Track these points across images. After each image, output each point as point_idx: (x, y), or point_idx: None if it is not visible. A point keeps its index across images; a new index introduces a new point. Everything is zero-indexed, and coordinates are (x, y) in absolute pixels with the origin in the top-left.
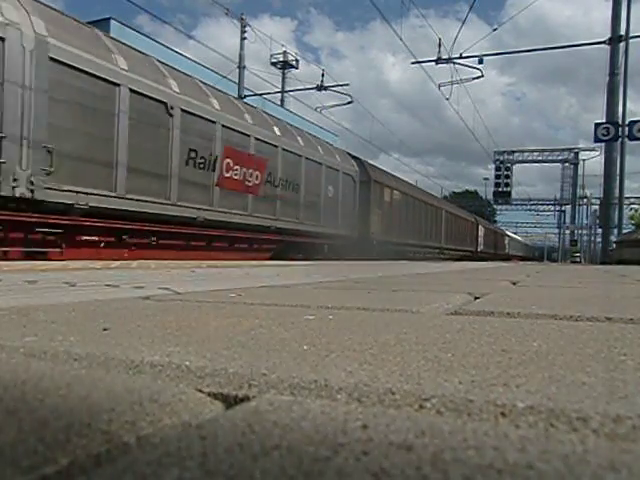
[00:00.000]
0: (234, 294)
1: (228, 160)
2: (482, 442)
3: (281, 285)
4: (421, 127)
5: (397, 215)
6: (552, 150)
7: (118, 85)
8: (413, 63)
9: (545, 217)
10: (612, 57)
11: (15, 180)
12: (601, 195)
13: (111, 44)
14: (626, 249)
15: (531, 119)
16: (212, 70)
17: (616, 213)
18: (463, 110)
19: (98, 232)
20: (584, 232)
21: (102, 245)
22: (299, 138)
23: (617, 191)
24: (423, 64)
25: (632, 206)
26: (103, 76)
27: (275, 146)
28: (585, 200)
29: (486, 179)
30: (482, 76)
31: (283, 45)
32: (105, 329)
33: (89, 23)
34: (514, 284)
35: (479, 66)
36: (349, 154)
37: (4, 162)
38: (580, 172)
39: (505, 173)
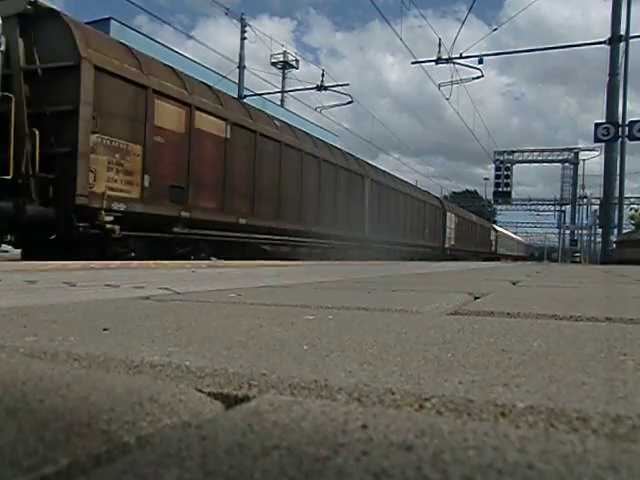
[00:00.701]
0: (234, 294)
1: None
2: (482, 442)
3: (281, 285)
4: (420, 127)
5: None
6: (552, 150)
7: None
8: (413, 63)
9: (545, 217)
10: (612, 57)
11: None
12: (601, 195)
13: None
14: (626, 249)
15: (530, 119)
16: (212, 70)
17: (616, 213)
18: (462, 110)
19: None
20: (584, 232)
21: None
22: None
23: (617, 191)
24: (422, 64)
25: (632, 206)
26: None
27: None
28: (585, 200)
29: (486, 179)
30: (482, 76)
31: (283, 45)
32: (105, 329)
33: (89, 23)
34: (514, 284)
35: (479, 66)
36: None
37: None
38: (580, 172)
39: (505, 173)
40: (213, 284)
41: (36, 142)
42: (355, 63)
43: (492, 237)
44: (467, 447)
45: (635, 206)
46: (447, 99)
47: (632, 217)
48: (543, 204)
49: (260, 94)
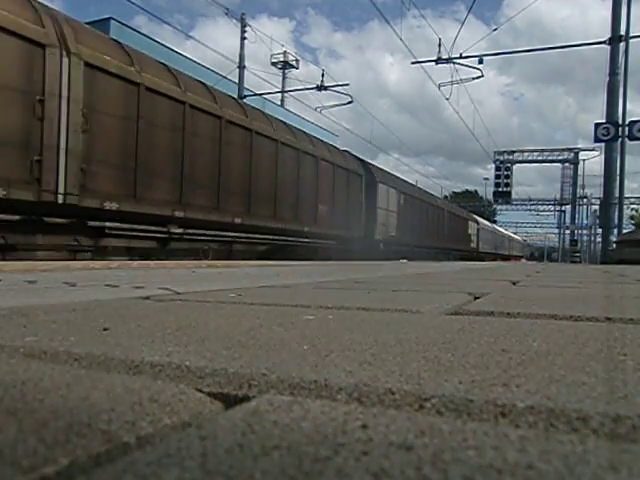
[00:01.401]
0: (234, 294)
1: None
2: (482, 442)
3: (281, 285)
4: (420, 127)
5: None
6: (552, 150)
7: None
8: (413, 63)
9: (545, 217)
10: (612, 57)
11: None
12: (601, 195)
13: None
14: (626, 249)
15: (530, 119)
16: (212, 70)
17: (616, 213)
18: (462, 110)
19: None
20: (584, 232)
21: None
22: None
23: (617, 191)
24: (422, 64)
25: (632, 206)
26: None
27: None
28: (585, 200)
29: (486, 179)
30: (482, 76)
31: (283, 45)
32: (105, 329)
33: (88, 23)
34: (514, 284)
35: (479, 66)
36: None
37: None
38: (580, 172)
39: (505, 173)
40: (213, 284)
41: None
42: (354, 63)
43: (471, 231)
44: (467, 447)
45: (635, 206)
46: (447, 99)
47: (632, 217)
48: (543, 204)
49: (260, 94)
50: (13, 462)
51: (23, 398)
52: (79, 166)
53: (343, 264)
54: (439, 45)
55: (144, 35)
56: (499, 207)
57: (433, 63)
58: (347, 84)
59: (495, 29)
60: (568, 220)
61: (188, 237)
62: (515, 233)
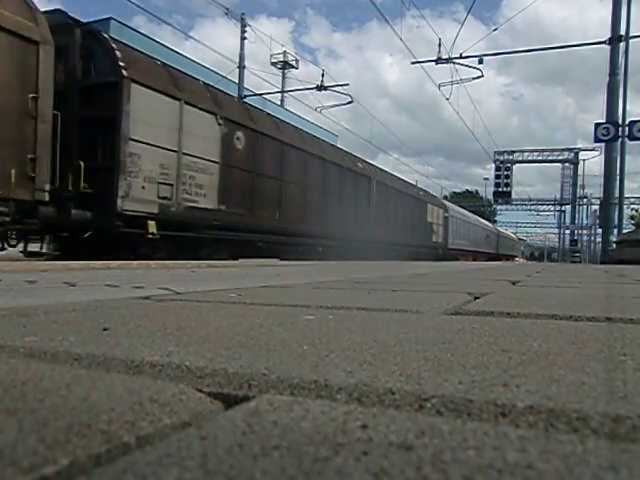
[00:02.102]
0: (234, 294)
1: None
2: (482, 442)
3: (281, 285)
4: (419, 127)
5: None
6: (552, 150)
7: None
8: (413, 63)
9: (545, 217)
10: (612, 57)
11: None
12: (601, 195)
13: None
14: (626, 249)
15: (529, 119)
16: (212, 70)
17: (616, 213)
18: (461, 110)
19: None
20: (584, 232)
21: None
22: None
23: (617, 191)
24: (421, 64)
25: (632, 206)
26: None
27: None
28: (585, 200)
29: (486, 179)
30: (482, 76)
31: (283, 45)
32: (105, 329)
33: (88, 23)
34: (514, 284)
35: (479, 66)
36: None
37: None
38: (580, 172)
39: (505, 173)
40: (213, 284)
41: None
42: (353, 63)
43: (433, 219)
44: (467, 447)
45: (635, 206)
46: (447, 99)
47: (632, 217)
48: (543, 204)
49: (260, 94)
50: (13, 462)
51: (23, 398)
52: None
53: (343, 264)
54: (439, 45)
55: (144, 35)
56: (499, 207)
57: (433, 63)
58: (347, 84)
59: (495, 29)
60: (568, 220)
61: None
62: (515, 233)
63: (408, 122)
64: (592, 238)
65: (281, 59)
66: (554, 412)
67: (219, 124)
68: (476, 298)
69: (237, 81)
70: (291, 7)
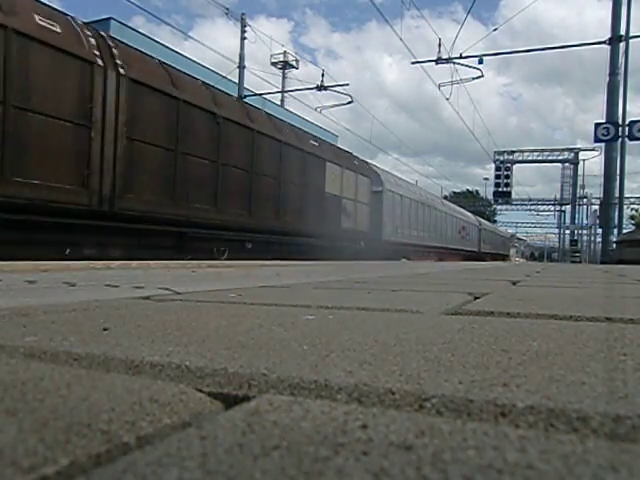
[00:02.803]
0: (234, 294)
1: None
2: (482, 442)
3: (281, 285)
4: (419, 127)
5: None
6: (552, 150)
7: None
8: (413, 63)
9: (545, 217)
10: (612, 57)
11: None
12: (601, 195)
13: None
14: (626, 249)
15: (528, 119)
16: (212, 70)
17: (616, 213)
18: (461, 110)
19: None
20: (584, 232)
21: None
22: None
23: (617, 191)
24: (420, 64)
25: (632, 206)
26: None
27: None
28: (585, 200)
29: (486, 179)
30: (482, 76)
31: (283, 45)
32: (105, 329)
33: (88, 23)
34: (514, 284)
35: (479, 66)
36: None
37: None
38: (580, 172)
39: (505, 173)
40: (213, 284)
41: None
42: (352, 63)
43: (348, 192)
44: (467, 447)
45: (635, 206)
46: (447, 99)
47: (632, 217)
48: (543, 204)
49: (260, 94)
50: (13, 462)
51: (23, 398)
52: None
53: (343, 264)
54: (439, 45)
55: (144, 35)
56: (499, 207)
57: (432, 63)
58: (347, 84)
59: (495, 29)
60: (568, 220)
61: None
62: (515, 234)
63: (407, 122)
64: (592, 238)
65: (281, 59)
66: (554, 412)
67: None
68: (476, 298)
69: (237, 81)
70: (290, 7)
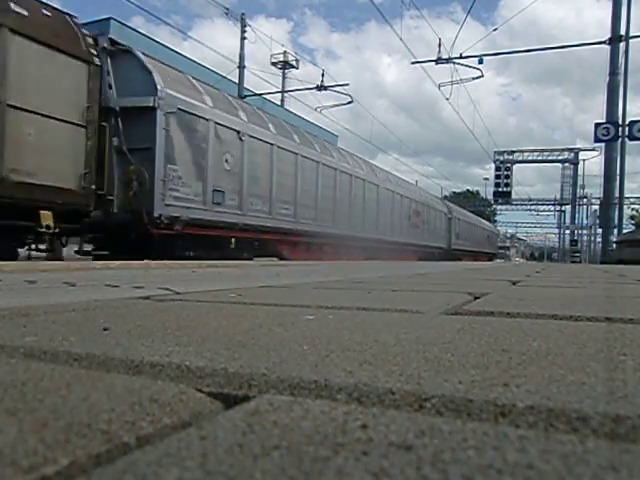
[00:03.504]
0: (234, 294)
1: None
2: (482, 442)
3: (281, 285)
4: (418, 127)
5: None
6: (552, 150)
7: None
8: (413, 63)
9: (545, 217)
10: (612, 57)
11: None
12: (601, 195)
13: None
14: (626, 249)
15: (528, 119)
16: (212, 70)
17: (616, 213)
18: (460, 110)
19: None
20: (584, 232)
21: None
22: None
23: (617, 191)
24: (419, 65)
25: (632, 206)
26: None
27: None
28: (585, 200)
29: (486, 179)
30: (482, 76)
31: (283, 45)
32: (105, 329)
33: (88, 24)
34: (514, 284)
35: (479, 66)
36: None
37: None
38: (580, 172)
39: (505, 173)
40: (213, 284)
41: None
42: (351, 64)
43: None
44: (467, 447)
45: (635, 206)
46: (447, 99)
47: (632, 217)
48: (543, 204)
49: (260, 94)
50: (13, 462)
51: (23, 398)
52: None
53: (343, 264)
54: (439, 45)
55: (144, 35)
56: (499, 207)
57: (432, 63)
58: (347, 84)
59: (495, 29)
60: (568, 220)
61: None
62: (515, 234)
63: (407, 122)
64: (592, 238)
65: (281, 59)
66: (554, 412)
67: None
68: (476, 298)
69: (237, 81)
70: (289, 8)
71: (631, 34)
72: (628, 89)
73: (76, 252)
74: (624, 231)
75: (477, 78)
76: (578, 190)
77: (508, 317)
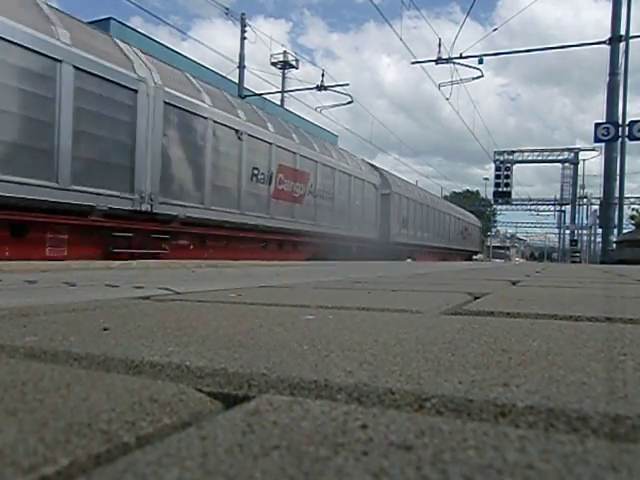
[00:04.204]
0: (234, 294)
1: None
2: (482, 442)
3: (281, 285)
4: (418, 127)
5: None
6: (552, 150)
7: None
8: (413, 63)
9: (545, 217)
10: (612, 57)
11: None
12: (601, 195)
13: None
14: (626, 249)
15: (527, 119)
16: (212, 70)
17: (616, 213)
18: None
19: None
20: (584, 232)
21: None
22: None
23: (617, 191)
24: (419, 65)
25: (632, 206)
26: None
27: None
28: (585, 200)
29: (486, 179)
30: (482, 76)
31: (283, 45)
32: (105, 329)
33: (88, 24)
34: (514, 284)
35: (479, 66)
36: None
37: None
38: (580, 172)
39: (505, 173)
40: (213, 284)
41: None
42: (351, 64)
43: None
44: (467, 447)
45: (635, 206)
46: (447, 99)
47: (632, 217)
48: (543, 204)
49: (260, 94)
50: (13, 462)
51: (23, 398)
52: None
53: (343, 264)
54: (439, 45)
55: (144, 35)
56: (499, 207)
57: (431, 63)
58: (347, 84)
59: (495, 29)
60: (568, 220)
61: None
62: (515, 234)
63: (406, 122)
64: (592, 238)
65: (281, 59)
66: (554, 412)
67: None
68: (476, 298)
69: (237, 81)
70: (288, 8)
71: (631, 34)
72: (628, 89)
73: None
74: (624, 231)
75: (477, 78)
76: (578, 190)
77: (508, 317)
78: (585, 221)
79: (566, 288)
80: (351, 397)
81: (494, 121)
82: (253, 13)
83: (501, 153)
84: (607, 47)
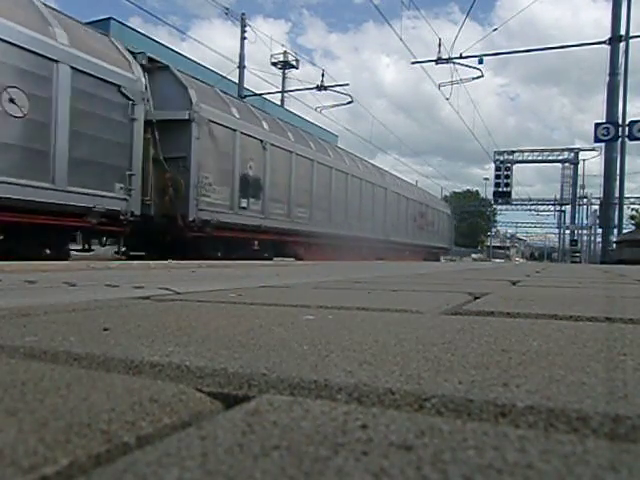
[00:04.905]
0: (234, 294)
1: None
2: (482, 442)
3: (281, 285)
4: (417, 127)
5: None
6: (552, 150)
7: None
8: (413, 63)
9: (545, 217)
10: (612, 57)
11: None
12: (601, 195)
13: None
14: (626, 249)
15: (526, 119)
16: (212, 70)
17: (616, 213)
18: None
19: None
20: (584, 232)
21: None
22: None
23: (617, 191)
24: (418, 65)
25: (632, 206)
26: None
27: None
28: (585, 200)
29: (486, 179)
30: (482, 76)
31: (283, 45)
32: (105, 329)
33: (88, 24)
34: (514, 284)
35: (479, 66)
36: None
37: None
38: (580, 172)
39: (505, 173)
40: (213, 284)
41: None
42: (350, 64)
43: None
44: (467, 447)
45: (635, 206)
46: (447, 99)
47: (632, 217)
48: (543, 204)
49: (260, 94)
50: (13, 462)
51: (23, 398)
52: None
53: (343, 264)
54: (439, 45)
55: (144, 35)
56: (499, 207)
57: (431, 63)
58: (347, 84)
59: (495, 29)
60: (568, 220)
61: None
62: (515, 234)
63: (406, 122)
64: (592, 238)
65: (281, 59)
66: (554, 412)
67: None
68: (476, 298)
69: (236, 81)
70: (287, 8)
71: (631, 34)
72: (628, 89)
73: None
74: (624, 231)
75: (477, 78)
76: (578, 190)
77: (508, 317)
78: (585, 221)
79: (566, 288)
80: (351, 397)
81: (494, 121)
82: (252, 13)
83: (501, 153)
84: (606, 47)
